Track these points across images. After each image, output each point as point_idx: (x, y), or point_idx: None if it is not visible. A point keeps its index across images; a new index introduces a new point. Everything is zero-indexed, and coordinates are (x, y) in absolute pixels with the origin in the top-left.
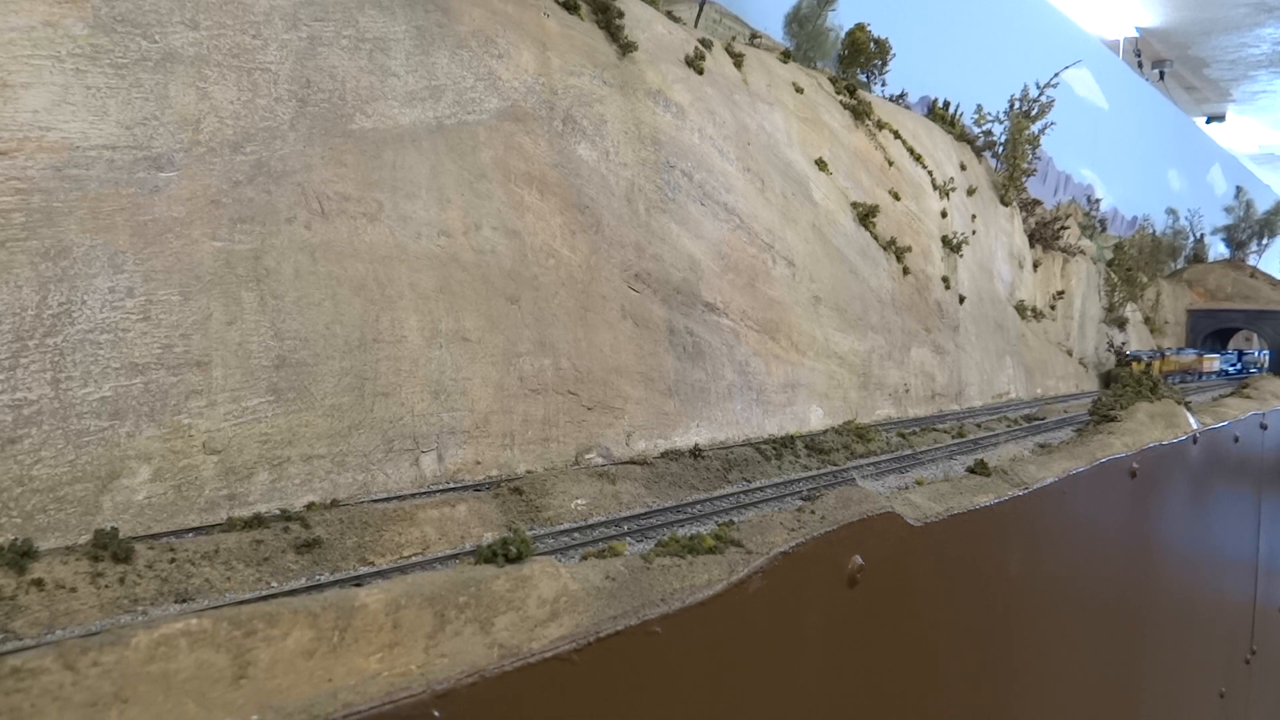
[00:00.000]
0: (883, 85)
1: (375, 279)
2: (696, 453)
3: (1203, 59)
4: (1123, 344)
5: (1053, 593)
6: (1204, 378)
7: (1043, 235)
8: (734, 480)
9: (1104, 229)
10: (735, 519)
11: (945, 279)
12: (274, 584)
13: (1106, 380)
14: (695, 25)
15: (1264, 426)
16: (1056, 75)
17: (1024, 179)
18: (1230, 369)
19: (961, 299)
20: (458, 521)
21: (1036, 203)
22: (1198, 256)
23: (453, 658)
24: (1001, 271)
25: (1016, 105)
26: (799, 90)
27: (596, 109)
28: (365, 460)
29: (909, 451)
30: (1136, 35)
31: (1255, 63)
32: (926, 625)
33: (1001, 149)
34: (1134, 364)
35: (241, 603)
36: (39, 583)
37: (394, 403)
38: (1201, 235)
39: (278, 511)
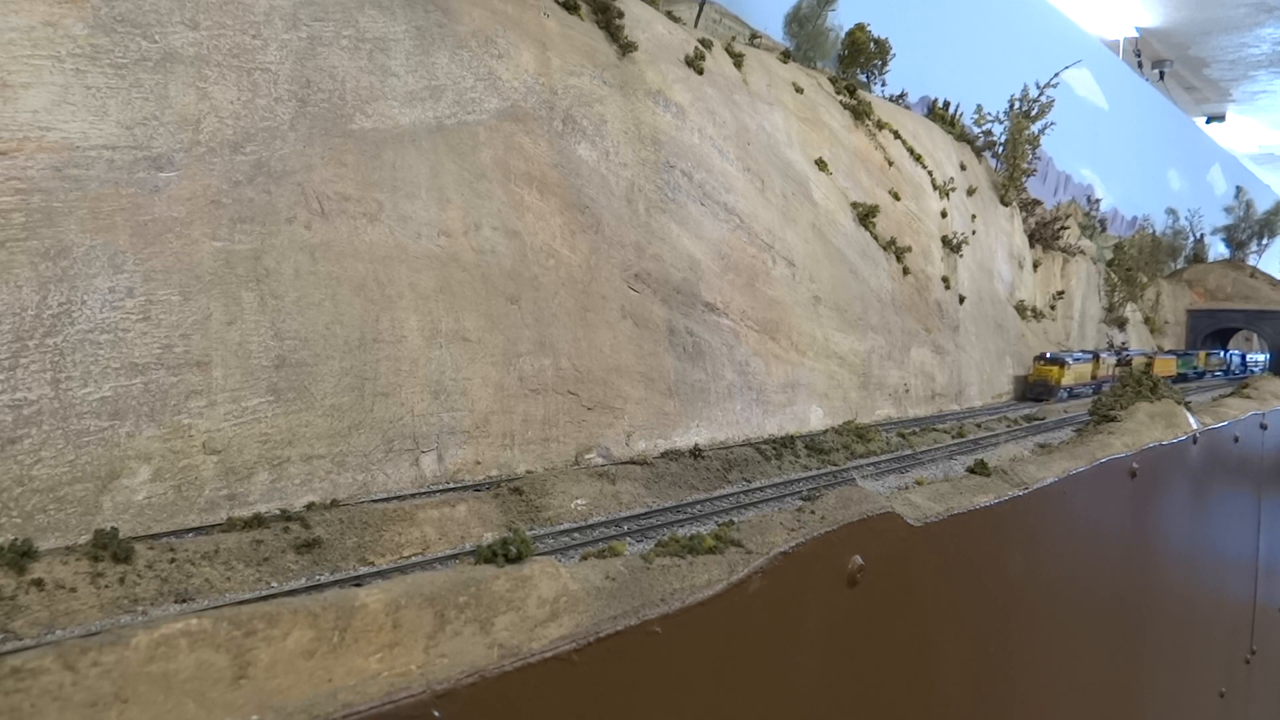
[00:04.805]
0: (883, 85)
1: (375, 279)
2: (696, 453)
3: (1203, 59)
4: (1123, 344)
5: (1052, 593)
6: None
7: (1043, 235)
8: (734, 480)
9: (1104, 229)
10: (735, 519)
11: (945, 279)
12: (274, 584)
13: (1022, 393)
14: (695, 25)
15: (1264, 426)
16: (1056, 75)
17: (1024, 179)
18: (1190, 373)
19: (961, 299)
20: (458, 521)
21: (1036, 203)
22: (1198, 256)
23: (453, 658)
24: (1001, 271)
25: (1016, 105)
26: (799, 90)
27: (596, 109)
28: (365, 460)
29: (909, 451)
30: (1136, 35)
31: (1255, 63)
32: (926, 625)
33: (1001, 149)
34: (1053, 369)
35: (241, 603)
36: (39, 583)
37: (394, 403)
38: (1201, 235)
39: (278, 511)
